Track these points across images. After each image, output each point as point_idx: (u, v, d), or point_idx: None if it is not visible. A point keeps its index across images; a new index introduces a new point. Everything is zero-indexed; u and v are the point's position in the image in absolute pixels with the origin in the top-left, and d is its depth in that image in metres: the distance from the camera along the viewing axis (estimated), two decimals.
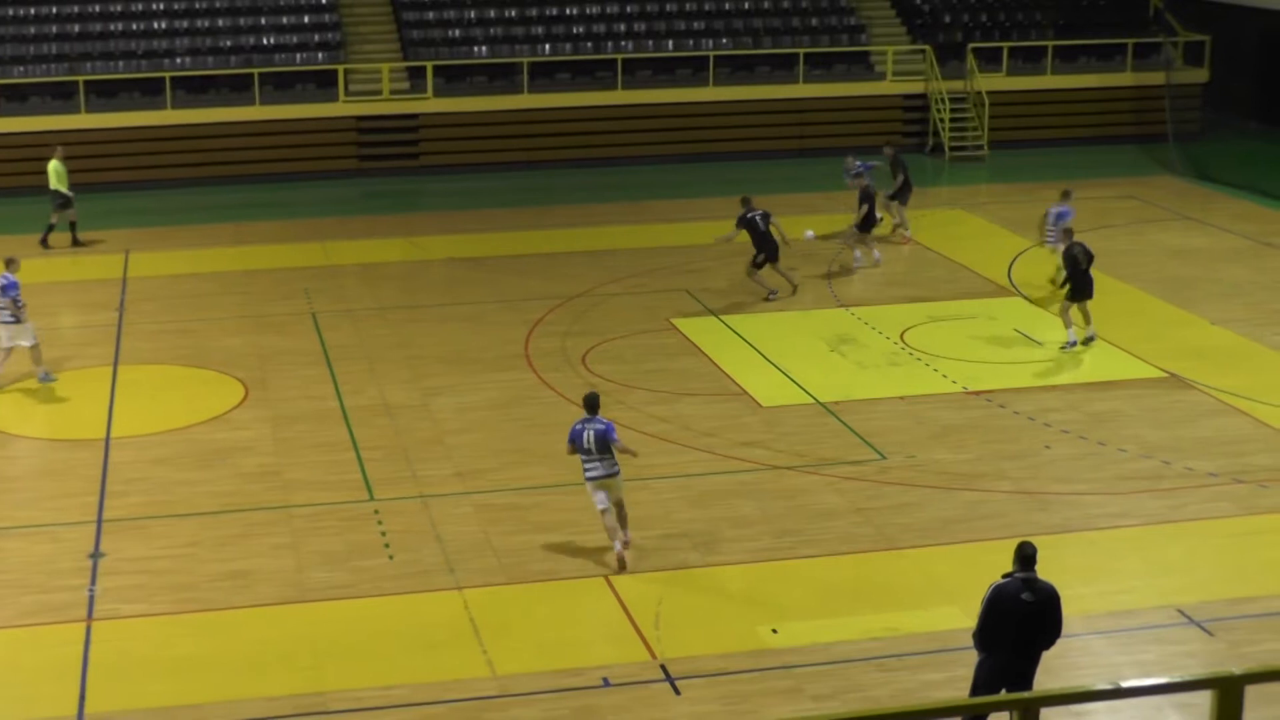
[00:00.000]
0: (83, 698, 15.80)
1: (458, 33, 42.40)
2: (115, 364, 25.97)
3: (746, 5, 44.35)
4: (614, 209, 36.55)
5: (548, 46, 42.38)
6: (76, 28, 41.32)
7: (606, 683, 16.00)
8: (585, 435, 18.45)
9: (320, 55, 41.22)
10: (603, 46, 42.49)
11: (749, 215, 28.74)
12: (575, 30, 42.99)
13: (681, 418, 23.25)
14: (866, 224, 30.92)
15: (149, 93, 39.89)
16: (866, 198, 30.89)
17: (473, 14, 42.99)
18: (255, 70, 40.27)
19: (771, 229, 28.68)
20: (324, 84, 40.61)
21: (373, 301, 29.40)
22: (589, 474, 18.52)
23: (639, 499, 20.23)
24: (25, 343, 24.85)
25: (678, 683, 15.99)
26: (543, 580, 18.30)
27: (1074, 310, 25.96)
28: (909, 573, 18.46)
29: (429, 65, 40.81)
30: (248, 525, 19.83)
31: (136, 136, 39.38)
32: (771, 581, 18.31)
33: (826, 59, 43.19)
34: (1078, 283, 25.81)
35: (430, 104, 40.84)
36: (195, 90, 40.23)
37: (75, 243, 33.64)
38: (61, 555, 18.95)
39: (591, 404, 18.69)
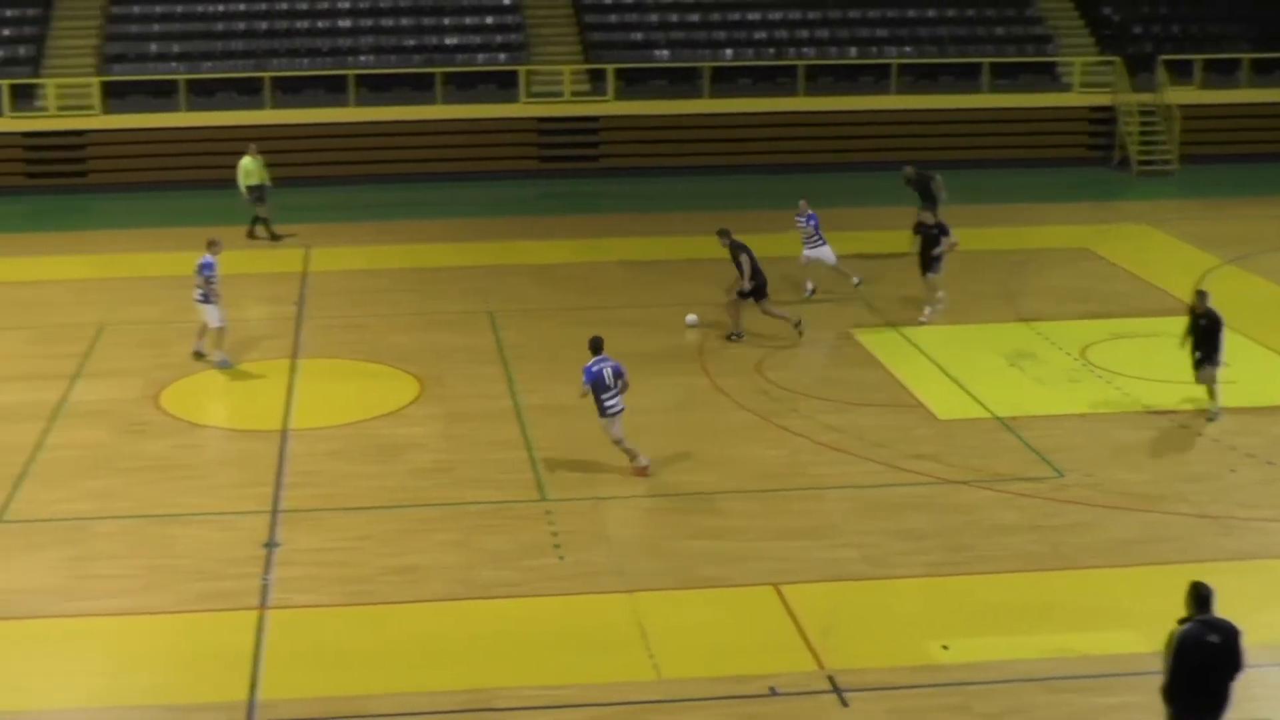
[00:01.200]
0: (254, 684, 15.97)
1: (639, 36, 42.48)
2: (294, 357, 26.32)
3: (931, 13, 43.91)
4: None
5: (729, 51, 42.31)
6: (264, 25, 42.06)
7: (774, 691, 15.84)
8: (605, 373, 20.70)
9: (502, 56, 41.53)
10: (784, 52, 42.34)
11: (745, 246, 26.88)
12: (757, 35, 42.87)
13: (855, 428, 23.01)
14: (934, 262, 28.38)
15: (332, 90, 40.49)
16: (933, 235, 28.30)
17: (655, 17, 43.05)
18: (437, 70, 40.68)
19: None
20: (505, 85, 40.90)
21: (548, 301, 29.50)
22: (613, 409, 20.81)
23: (807, 508, 20.09)
24: (212, 324, 25.42)
25: (845, 695, 15.79)
26: (711, 586, 18.18)
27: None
28: (1085, 593, 18.06)
29: (610, 68, 40.93)
30: (419, 520, 19.95)
31: (319, 133, 39.99)
32: (943, 596, 18.02)
33: (1012, 69, 42.61)
34: (1217, 345, 23.15)
35: (611, 106, 40.98)
36: (378, 88, 40.75)
37: (252, 235, 34.18)
38: (236, 543, 19.21)
39: (598, 345, 21.01)
